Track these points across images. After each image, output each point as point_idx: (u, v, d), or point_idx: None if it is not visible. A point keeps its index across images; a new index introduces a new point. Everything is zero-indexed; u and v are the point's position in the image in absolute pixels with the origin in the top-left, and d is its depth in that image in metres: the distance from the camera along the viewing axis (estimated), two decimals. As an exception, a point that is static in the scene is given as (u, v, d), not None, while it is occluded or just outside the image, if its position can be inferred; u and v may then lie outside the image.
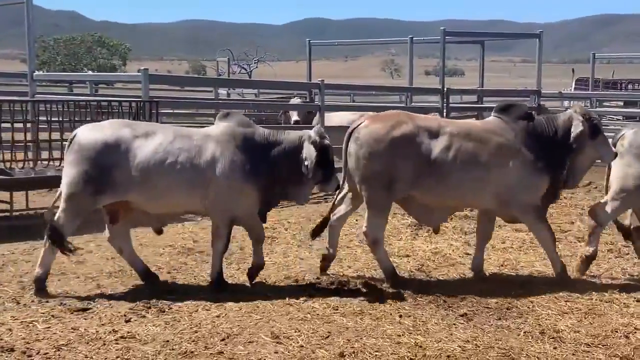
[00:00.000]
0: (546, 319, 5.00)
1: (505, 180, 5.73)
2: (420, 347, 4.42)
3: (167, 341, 4.45)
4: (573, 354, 4.38)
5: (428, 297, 5.47)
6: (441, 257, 6.77)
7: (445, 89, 12.53)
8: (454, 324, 4.89)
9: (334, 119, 11.28)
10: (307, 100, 13.29)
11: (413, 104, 15.95)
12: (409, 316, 5.01)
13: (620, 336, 4.68)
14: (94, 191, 5.19)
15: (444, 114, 12.41)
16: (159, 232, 5.81)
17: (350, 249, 7.03)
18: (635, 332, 4.74)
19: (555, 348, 4.47)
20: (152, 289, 5.47)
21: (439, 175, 5.68)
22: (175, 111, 18.23)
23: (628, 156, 5.99)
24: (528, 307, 5.27)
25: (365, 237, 5.93)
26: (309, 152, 5.38)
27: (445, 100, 12.47)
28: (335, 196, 6.18)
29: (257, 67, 43.15)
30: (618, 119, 18.03)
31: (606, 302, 5.42)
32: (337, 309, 5.11)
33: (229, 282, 5.70)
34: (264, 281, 5.79)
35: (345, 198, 6.12)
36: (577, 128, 5.81)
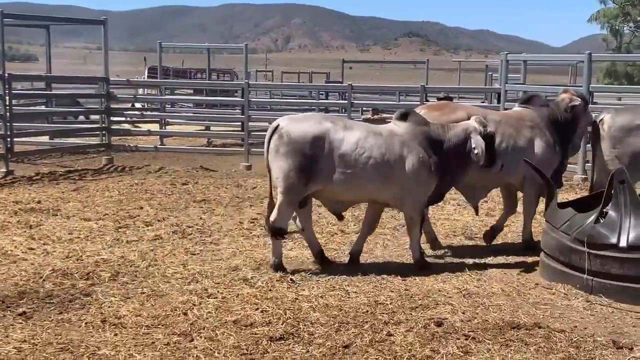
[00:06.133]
0: (109, 307, 5.00)
1: (534, 159, 6.50)
2: (-31, 356, 4.06)
3: None
4: (133, 338, 4.43)
5: (-18, 300, 5.07)
6: (2, 254, 6.32)
7: (6, 75, 11.64)
8: (12, 325, 4.62)
9: None
10: None
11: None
12: (-43, 324, 4.55)
13: (179, 314, 4.88)
14: (306, 181, 5.67)
15: (7, 101, 11.54)
16: (341, 217, 6.31)
17: None
18: (193, 308, 4.97)
19: (116, 335, 4.48)
20: None
21: None
22: None
23: (608, 140, 6.92)
24: (91, 297, 5.21)
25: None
26: (477, 142, 6.02)
27: (7, 86, 11.57)
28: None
29: None
30: (189, 106, 19.06)
31: (168, 282, 5.62)
32: None
33: None
34: None
35: None
36: (576, 107, 6.84)
